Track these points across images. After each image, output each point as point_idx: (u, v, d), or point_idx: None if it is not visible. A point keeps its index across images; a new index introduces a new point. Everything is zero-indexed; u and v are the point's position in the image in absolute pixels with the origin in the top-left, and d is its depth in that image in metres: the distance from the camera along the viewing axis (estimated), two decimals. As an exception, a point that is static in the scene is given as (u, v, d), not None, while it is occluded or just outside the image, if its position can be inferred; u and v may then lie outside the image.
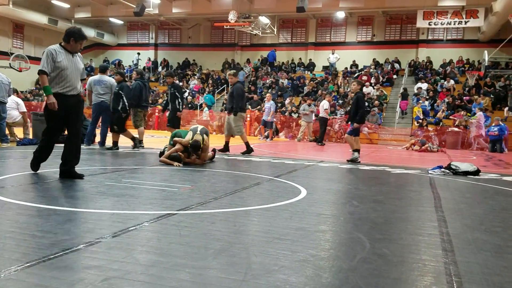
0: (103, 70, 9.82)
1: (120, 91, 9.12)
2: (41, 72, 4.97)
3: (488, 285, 2.31)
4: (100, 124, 9.95)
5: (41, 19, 24.92)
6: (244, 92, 10.02)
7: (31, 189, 4.42)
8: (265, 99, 17.56)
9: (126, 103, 9.08)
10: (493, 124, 15.69)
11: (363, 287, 2.19)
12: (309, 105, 17.33)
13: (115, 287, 2.04)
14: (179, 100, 9.75)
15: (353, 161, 8.84)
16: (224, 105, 22.54)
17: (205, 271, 2.30)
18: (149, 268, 2.29)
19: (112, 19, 27.63)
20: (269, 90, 23.50)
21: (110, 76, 9.77)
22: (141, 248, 2.61)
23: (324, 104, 15.66)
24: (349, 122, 9.20)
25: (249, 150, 9.72)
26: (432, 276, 2.42)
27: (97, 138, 9.95)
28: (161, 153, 7.58)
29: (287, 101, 21.50)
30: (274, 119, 19.42)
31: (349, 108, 18.46)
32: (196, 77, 26.42)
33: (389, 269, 2.47)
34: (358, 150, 8.98)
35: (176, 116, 9.84)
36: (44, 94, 5.02)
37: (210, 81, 25.67)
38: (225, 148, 9.88)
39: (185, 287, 2.09)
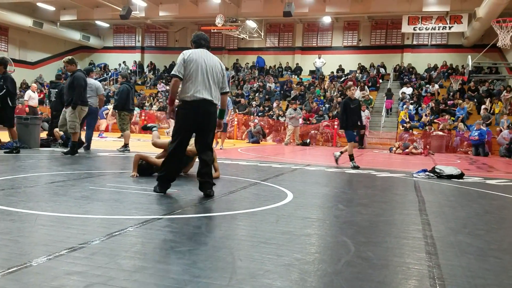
0: (87, 72, 9.74)
1: None
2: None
3: None
4: (85, 128, 9.83)
5: (26, 21, 24.64)
6: (85, 83, 8.66)
7: (13, 193, 4.35)
8: None
9: None
10: (475, 129, 15.93)
11: (347, 291, 2.20)
12: (295, 109, 17.43)
13: (97, 293, 2.02)
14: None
15: (356, 167, 8.58)
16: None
17: (190, 276, 2.28)
18: (132, 274, 2.27)
19: (98, 22, 27.44)
20: (257, 94, 23.55)
21: (95, 79, 9.71)
22: (125, 254, 2.59)
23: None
24: (353, 129, 8.78)
25: (73, 151, 8.49)
26: (416, 279, 2.44)
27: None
28: None
29: (274, 105, 21.57)
30: (261, 124, 19.42)
31: (336, 112, 18.62)
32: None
33: (373, 273, 2.49)
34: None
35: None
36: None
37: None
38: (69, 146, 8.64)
39: (169, 292, 2.08)
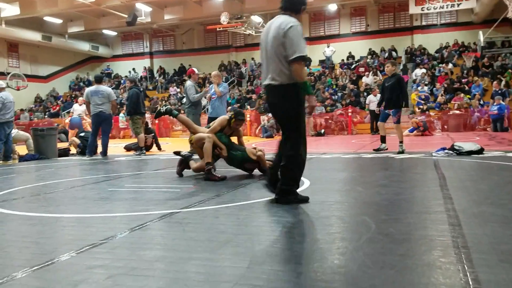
0: (98, 80, 9.87)
1: None
2: (302, 59, 3.41)
3: (497, 253, 2.28)
4: (101, 134, 9.93)
5: (34, 36, 24.97)
6: None
7: (33, 200, 4.41)
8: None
9: None
10: (494, 103, 15.63)
11: (370, 265, 2.17)
12: None
13: (119, 283, 2.03)
14: None
15: (401, 153, 8.06)
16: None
17: (210, 262, 2.28)
18: (153, 264, 2.28)
19: (105, 31, 27.66)
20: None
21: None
22: (145, 246, 2.60)
23: (371, 98, 17.20)
24: (388, 109, 8.25)
25: None
26: (440, 249, 2.39)
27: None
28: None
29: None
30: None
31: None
32: (193, 81, 26.42)
33: (395, 247, 2.45)
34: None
35: None
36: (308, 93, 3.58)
37: (208, 85, 25.65)
38: None
39: (191, 278, 2.08)
